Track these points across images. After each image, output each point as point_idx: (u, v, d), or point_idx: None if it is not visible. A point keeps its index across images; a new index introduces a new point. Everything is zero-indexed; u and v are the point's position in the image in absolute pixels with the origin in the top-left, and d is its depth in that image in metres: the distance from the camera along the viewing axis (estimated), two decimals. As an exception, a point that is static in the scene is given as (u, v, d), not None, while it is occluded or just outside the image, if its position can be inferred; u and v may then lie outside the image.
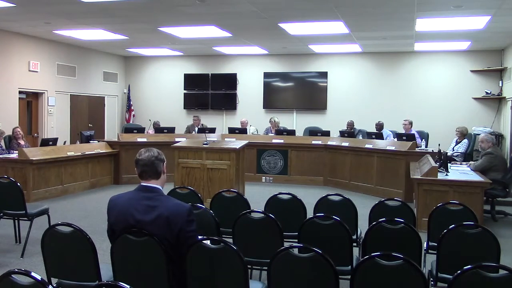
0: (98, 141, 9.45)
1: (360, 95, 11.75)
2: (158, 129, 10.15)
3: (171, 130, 9.93)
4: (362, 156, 8.61)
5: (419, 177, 5.97)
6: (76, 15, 7.88)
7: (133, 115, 13.27)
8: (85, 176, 8.49)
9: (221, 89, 12.71)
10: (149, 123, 11.37)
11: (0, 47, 9.49)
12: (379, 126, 9.74)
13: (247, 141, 7.99)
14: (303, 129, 11.18)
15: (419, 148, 8.29)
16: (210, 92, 12.80)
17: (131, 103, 13.30)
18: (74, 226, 2.86)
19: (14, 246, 5.11)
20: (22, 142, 8.35)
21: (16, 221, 5.16)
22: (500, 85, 10.68)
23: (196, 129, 10.69)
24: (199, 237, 2.70)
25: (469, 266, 2.33)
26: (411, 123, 9.37)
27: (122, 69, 13.52)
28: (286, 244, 2.88)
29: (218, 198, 4.25)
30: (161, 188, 2.74)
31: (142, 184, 2.73)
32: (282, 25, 8.37)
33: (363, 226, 3.97)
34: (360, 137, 9.93)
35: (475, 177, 6.06)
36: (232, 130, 10.36)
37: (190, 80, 12.93)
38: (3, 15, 7.99)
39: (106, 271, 2.86)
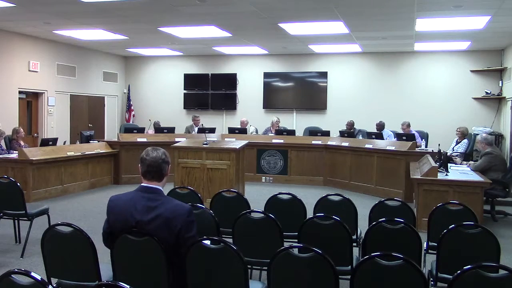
0: (98, 141, 9.45)
1: (360, 95, 11.75)
2: (158, 129, 10.15)
3: (171, 130, 9.93)
4: (362, 156, 8.60)
5: (419, 177, 5.97)
6: (76, 15, 7.88)
7: (133, 115, 13.27)
8: (85, 176, 8.49)
9: (221, 89, 12.71)
10: (149, 123, 11.37)
11: (0, 47, 9.49)
12: (380, 126, 9.72)
13: (247, 141, 7.99)
14: (303, 129, 11.18)
15: (419, 148, 8.29)
16: (210, 92, 12.80)
17: (131, 103, 13.30)
18: (74, 226, 2.85)
19: (14, 246, 5.11)
20: (22, 142, 8.34)
21: (16, 221, 5.16)
22: (500, 85, 10.68)
23: (196, 129, 10.69)
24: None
25: (469, 266, 2.33)
26: (408, 125, 9.36)
27: (122, 69, 13.52)
28: (286, 244, 2.88)
29: (218, 198, 4.25)
30: (161, 189, 2.73)
31: (142, 184, 2.72)
32: (282, 25, 8.37)
33: (363, 226, 3.97)
34: (360, 137, 9.92)
35: (475, 177, 6.06)
36: (232, 130, 10.35)
37: (190, 80, 12.93)
38: (3, 15, 7.99)
39: (106, 271, 2.85)
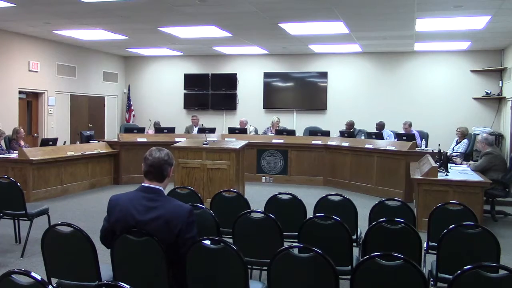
0: (98, 141, 9.45)
1: (360, 95, 11.75)
2: (158, 129, 10.16)
3: (171, 130, 9.93)
4: (362, 156, 8.60)
5: (419, 177, 5.97)
6: (76, 15, 7.88)
7: (133, 115, 13.27)
8: (85, 176, 8.49)
9: (221, 89, 12.71)
10: (149, 123, 11.37)
11: (0, 47, 9.49)
12: (380, 126, 9.71)
13: (247, 141, 8.00)
14: (303, 129, 11.17)
15: (419, 148, 8.29)
16: (210, 92, 12.80)
17: (131, 103, 13.30)
18: (74, 226, 2.85)
19: (14, 246, 5.11)
20: (22, 142, 8.34)
21: (16, 221, 5.15)
22: (500, 85, 10.68)
23: (196, 129, 10.69)
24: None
25: (469, 266, 2.33)
26: (410, 125, 9.37)
27: (122, 69, 13.52)
28: (286, 244, 2.88)
29: (218, 198, 4.25)
30: (162, 190, 2.73)
31: (143, 184, 2.72)
32: (282, 25, 8.37)
33: (363, 226, 3.97)
34: (362, 137, 9.92)
35: (475, 177, 6.06)
36: (232, 130, 10.35)
37: (190, 80, 12.93)
38: (3, 15, 7.99)
39: (106, 271, 2.85)
